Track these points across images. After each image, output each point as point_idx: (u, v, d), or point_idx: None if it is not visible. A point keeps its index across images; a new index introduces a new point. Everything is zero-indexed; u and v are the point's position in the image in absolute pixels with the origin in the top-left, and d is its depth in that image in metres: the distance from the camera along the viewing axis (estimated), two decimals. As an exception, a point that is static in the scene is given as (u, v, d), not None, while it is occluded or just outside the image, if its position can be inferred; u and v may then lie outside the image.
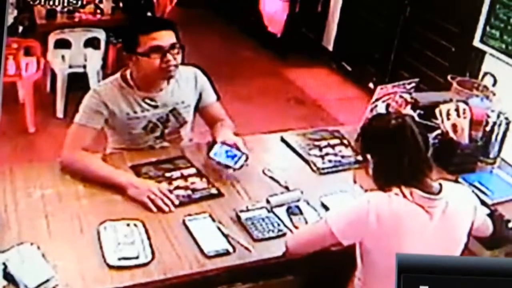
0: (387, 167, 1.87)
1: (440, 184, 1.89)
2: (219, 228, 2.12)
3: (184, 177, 2.39)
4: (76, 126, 2.43)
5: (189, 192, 2.31)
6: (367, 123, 2.08)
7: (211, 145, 2.49)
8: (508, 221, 2.23)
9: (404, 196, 1.82)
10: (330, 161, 2.65)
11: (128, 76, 2.51)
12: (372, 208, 1.81)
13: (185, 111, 2.60)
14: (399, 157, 1.84)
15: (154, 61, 2.39)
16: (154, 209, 2.19)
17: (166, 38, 2.39)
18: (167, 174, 2.40)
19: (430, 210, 1.83)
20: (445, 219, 1.85)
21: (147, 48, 2.38)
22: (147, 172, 2.40)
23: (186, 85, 2.59)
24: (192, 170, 2.45)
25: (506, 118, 2.73)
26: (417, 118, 2.41)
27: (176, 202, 2.24)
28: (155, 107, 2.52)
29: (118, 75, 2.53)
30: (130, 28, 2.53)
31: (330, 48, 6.31)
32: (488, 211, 2.14)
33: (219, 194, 2.32)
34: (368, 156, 1.92)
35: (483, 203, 2.21)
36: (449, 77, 3.88)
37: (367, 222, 1.81)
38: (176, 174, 2.41)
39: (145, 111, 2.51)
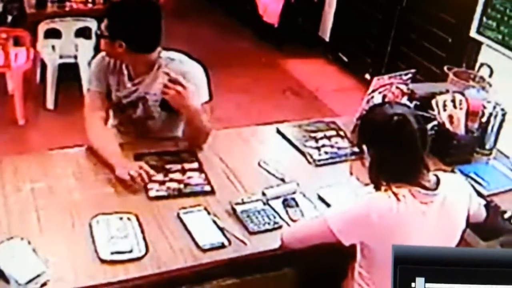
0: (383, 164, 1.85)
1: (437, 177, 1.87)
2: (214, 221, 2.09)
3: (183, 171, 2.37)
4: (90, 92, 2.55)
5: (181, 186, 2.28)
6: (367, 114, 2.03)
7: None
8: (504, 212, 2.22)
9: (403, 195, 1.80)
10: (326, 152, 2.63)
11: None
12: (373, 209, 1.79)
13: (153, 105, 2.54)
14: (396, 155, 1.82)
15: None
16: (127, 177, 2.23)
17: None
18: (167, 166, 2.38)
19: (429, 205, 1.82)
20: (443, 211, 1.84)
21: None
22: (149, 161, 2.39)
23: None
24: (195, 165, 2.42)
25: (502, 109, 2.72)
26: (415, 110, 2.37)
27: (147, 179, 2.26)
28: (132, 90, 2.53)
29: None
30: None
31: (327, 39, 6.28)
32: (484, 202, 2.12)
33: (212, 192, 2.27)
34: (364, 148, 1.90)
35: (479, 194, 2.20)
36: (445, 68, 3.87)
37: (369, 223, 1.79)
38: (176, 167, 2.38)
39: (124, 91, 2.54)
